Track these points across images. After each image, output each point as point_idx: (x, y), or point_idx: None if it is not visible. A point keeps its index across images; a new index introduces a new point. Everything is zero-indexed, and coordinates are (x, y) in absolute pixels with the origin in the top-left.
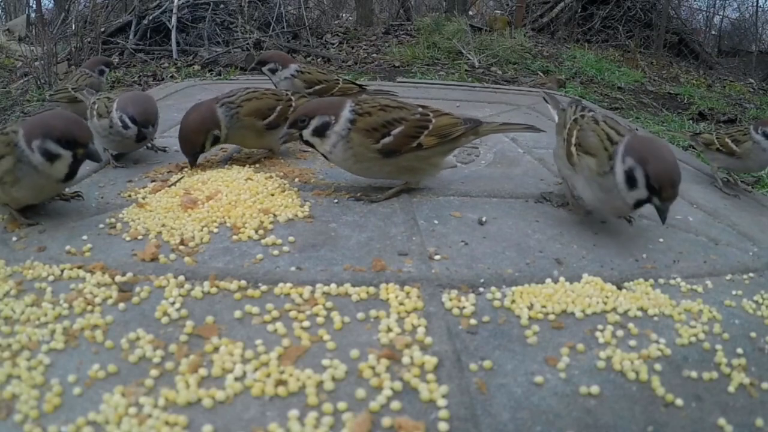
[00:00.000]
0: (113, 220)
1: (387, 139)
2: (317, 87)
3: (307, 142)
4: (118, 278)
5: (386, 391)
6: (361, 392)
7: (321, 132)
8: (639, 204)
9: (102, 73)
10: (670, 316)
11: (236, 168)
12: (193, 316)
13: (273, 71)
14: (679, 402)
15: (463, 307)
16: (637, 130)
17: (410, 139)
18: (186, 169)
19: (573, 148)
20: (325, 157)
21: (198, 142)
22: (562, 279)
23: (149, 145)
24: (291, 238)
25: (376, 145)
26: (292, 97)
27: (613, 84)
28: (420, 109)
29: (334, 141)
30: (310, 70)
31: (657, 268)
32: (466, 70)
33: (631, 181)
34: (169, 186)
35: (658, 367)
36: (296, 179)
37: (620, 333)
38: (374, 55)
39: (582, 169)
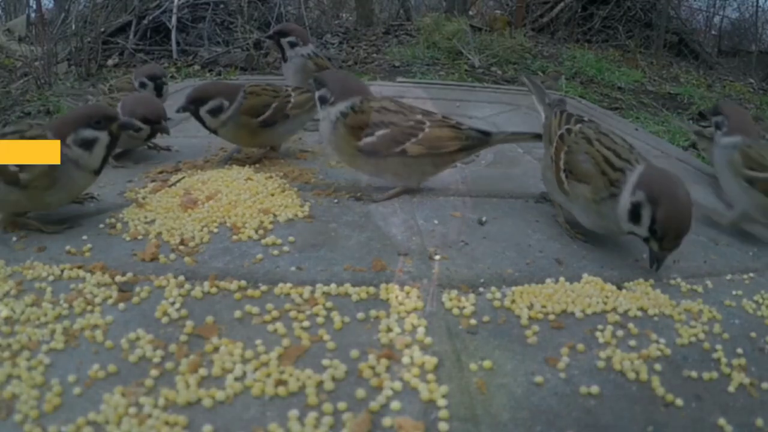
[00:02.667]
0: (113, 220)
1: (369, 139)
2: None
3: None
4: (118, 278)
5: (386, 391)
6: (361, 392)
7: (321, 101)
8: (633, 234)
9: (143, 85)
10: (670, 316)
11: (236, 168)
12: (193, 316)
13: (293, 45)
14: (679, 402)
15: (463, 307)
16: (634, 150)
17: (395, 144)
18: (186, 170)
19: (562, 175)
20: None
21: (200, 98)
22: (562, 279)
23: (152, 143)
24: (291, 238)
25: (358, 143)
26: (292, 93)
27: (613, 84)
28: (419, 117)
29: (322, 116)
30: (321, 56)
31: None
32: (466, 70)
33: (634, 215)
34: (169, 186)
35: (658, 367)
36: (296, 179)
37: (620, 333)
38: (374, 55)
39: (576, 197)
